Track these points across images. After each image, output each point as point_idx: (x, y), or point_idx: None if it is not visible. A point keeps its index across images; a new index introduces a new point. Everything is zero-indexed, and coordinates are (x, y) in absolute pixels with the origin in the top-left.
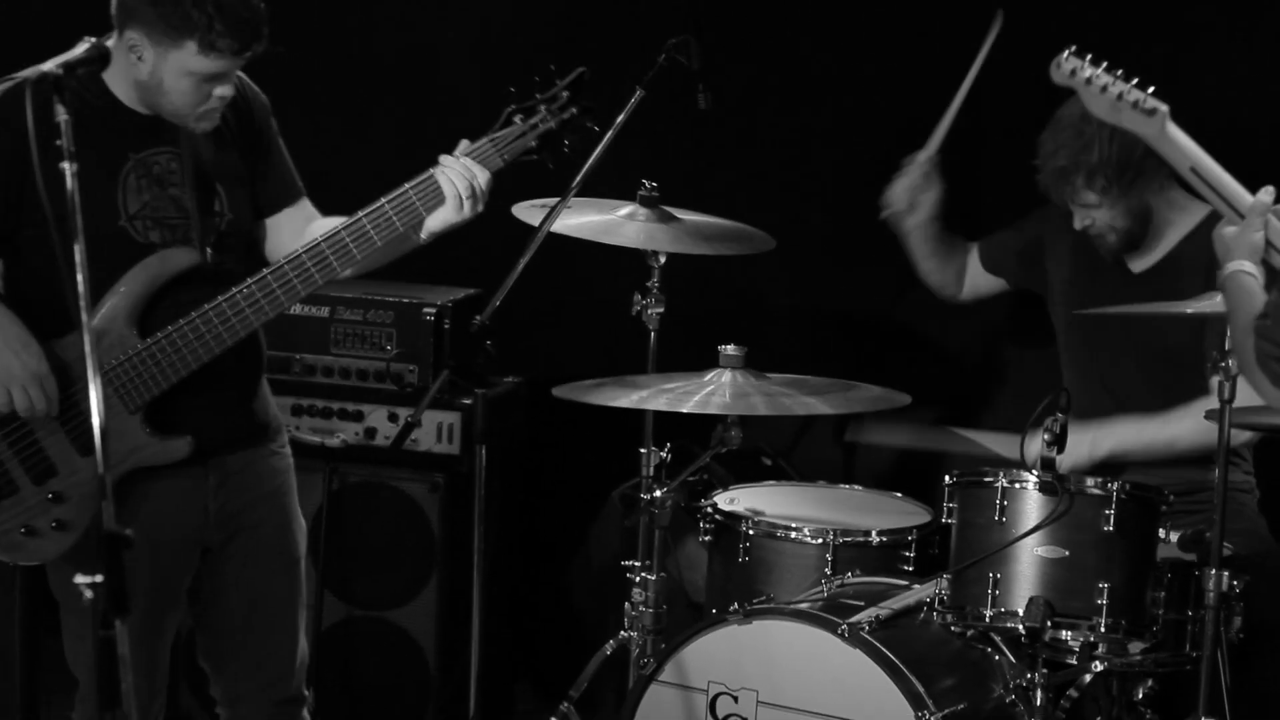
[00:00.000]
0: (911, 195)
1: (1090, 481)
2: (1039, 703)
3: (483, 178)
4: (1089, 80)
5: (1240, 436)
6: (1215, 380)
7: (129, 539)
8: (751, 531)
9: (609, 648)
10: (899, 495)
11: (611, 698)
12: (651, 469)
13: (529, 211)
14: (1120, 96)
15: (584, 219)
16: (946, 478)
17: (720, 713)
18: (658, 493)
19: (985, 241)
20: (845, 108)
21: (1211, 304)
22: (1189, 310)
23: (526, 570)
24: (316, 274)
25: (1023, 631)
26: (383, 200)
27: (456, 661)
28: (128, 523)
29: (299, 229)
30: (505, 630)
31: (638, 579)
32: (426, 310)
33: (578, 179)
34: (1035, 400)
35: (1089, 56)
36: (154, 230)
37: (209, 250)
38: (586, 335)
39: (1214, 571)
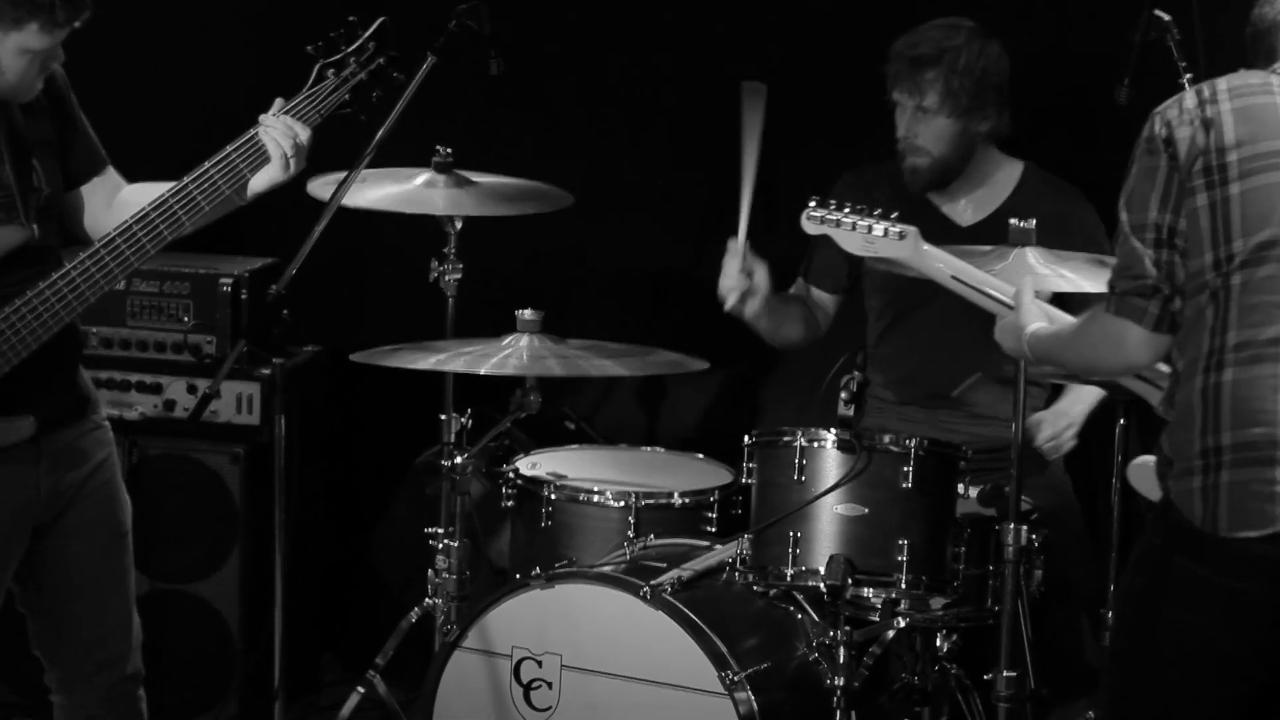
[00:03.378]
0: (742, 282)
1: (888, 438)
2: (842, 660)
3: (304, 135)
4: (839, 223)
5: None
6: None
7: None
8: (553, 496)
9: (413, 616)
10: (701, 456)
11: (417, 666)
12: (452, 436)
13: (326, 187)
14: (870, 230)
15: (381, 191)
16: (746, 437)
17: (525, 678)
18: (459, 459)
19: (811, 272)
20: (637, 66)
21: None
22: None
23: (330, 540)
24: (149, 244)
25: (824, 590)
26: (207, 164)
27: (261, 633)
28: None
29: (109, 198)
30: (309, 601)
31: (441, 546)
32: (223, 281)
33: (370, 148)
34: (836, 360)
35: (832, 204)
36: None
37: (35, 226)
38: (385, 302)
39: (1012, 526)
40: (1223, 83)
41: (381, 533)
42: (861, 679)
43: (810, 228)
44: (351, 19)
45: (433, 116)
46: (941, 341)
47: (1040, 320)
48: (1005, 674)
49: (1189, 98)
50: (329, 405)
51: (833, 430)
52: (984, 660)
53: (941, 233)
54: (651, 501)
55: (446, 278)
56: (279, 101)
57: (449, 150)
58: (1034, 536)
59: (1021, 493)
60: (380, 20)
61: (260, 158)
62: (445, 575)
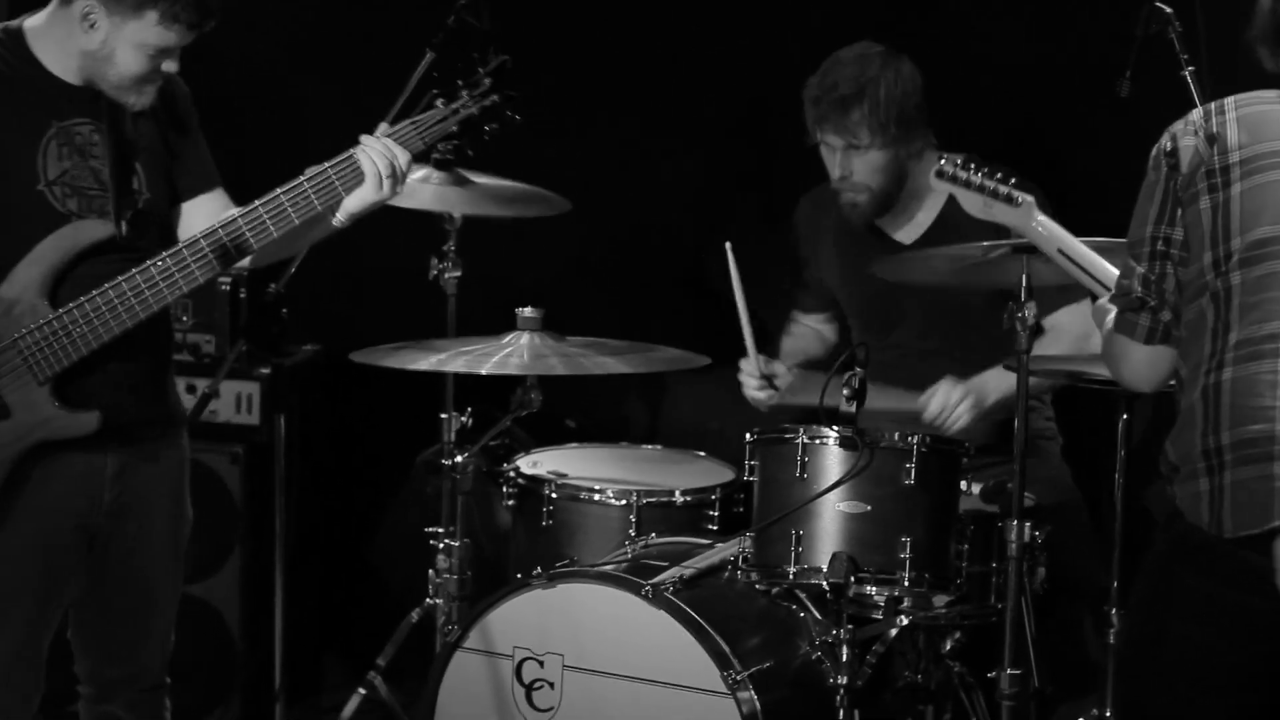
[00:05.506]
0: (768, 394)
1: (890, 435)
2: (845, 659)
3: (403, 158)
4: (967, 183)
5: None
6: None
7: None
8: (554, 494)
9: (414, 616)
10: (702, 454)
11: (419, 667)
12: (452, 434)
13: None
14: (992, 192)
15: None
16: (747, 435)
17: (526, 678)
18: (459, 458)
19: (803, 295)
20: (638, 67)
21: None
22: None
23: (330, 540)
24: (232, 249)
25: (827, 588)
26: (302, 179)
27: (262, 634)
28: (24, 503)
29: (213, 217)
30: (310, 601)
31: (441, 545)
32: (222, 280)
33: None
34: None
35: (960, 160)
36: (72, 199)
37: (124, 225)
38: (384, 301)
39: (1015, 523)
40: (1231, 99)
41: (382, 533)
42: (865, 677)
43: (937, 184)
44: (474, 55)
45: None
46: (917, 357)
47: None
48: (1009, 672)
49: (1196, 112)
50: (329, 404)
51: (835, 427)
52: (988, 658)
53: (884, 253)
54: (653, 500)
55: (446, 276)
56: (384, 125)
57: (448, 147)
58: (1037, 533)
59: (1024, 488)
60: (501, 59)
61: (355, 178)
62: (446, 575)
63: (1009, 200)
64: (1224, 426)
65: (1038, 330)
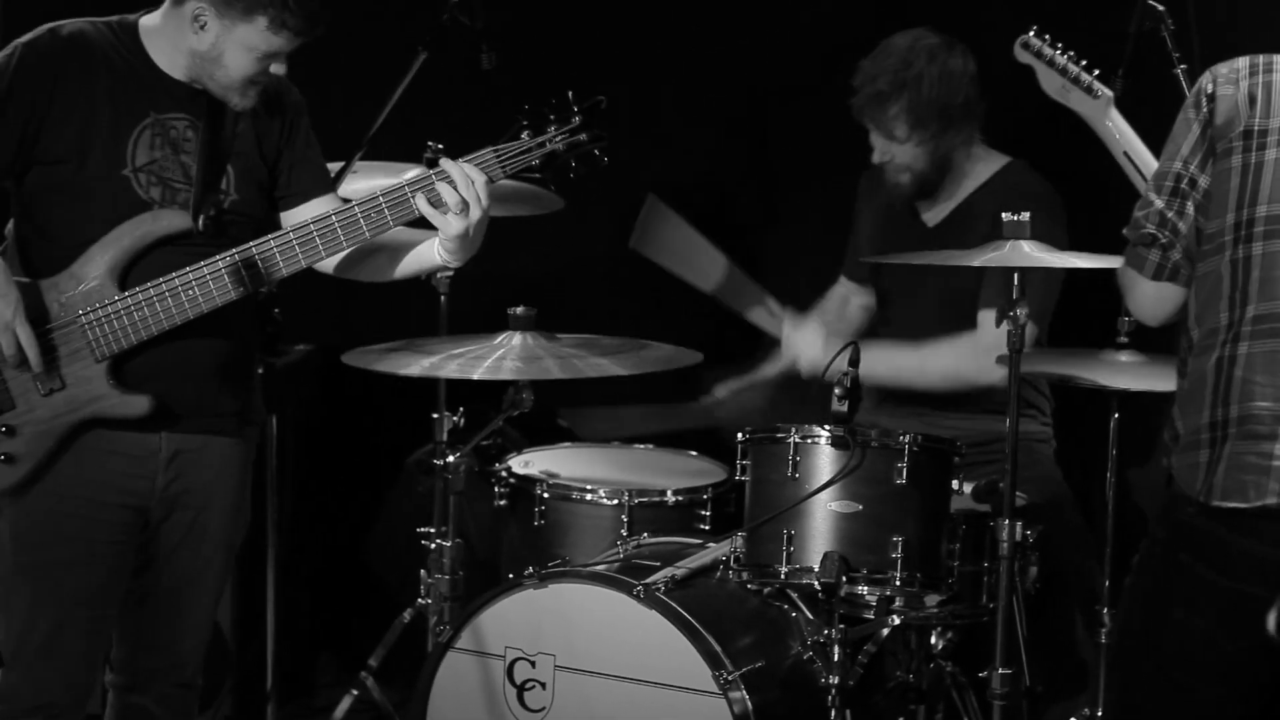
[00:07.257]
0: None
1: (883, 435)
2: (837, 658)
3: (479, 181)
4: (1049, 60)
5: (991, 376)
6: (994, 323)
7: None
8: (546, 494)
9: (406, 616)
10: (694, 454)
11: (411, 666)
12: (445, 434)
13: None
14: (1074, 78)
15: (371, 183)
16: (740, 434)
17: (518, 678)
18: (451, 458)
19: (850, 262)
20: (629, 63)
21: (993, 255)
22: (975, 263)
23: (323, 540)
24: (300, 253)
25: (818, 587)
26: (378, 193)
27: (254, 635)
28: (75, 474)
29: None
30: (303, 601)
31: (433, 545)
32: None
33: (363, 143)
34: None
35: (1048, 38)
36: (156, 187)
37: (202, 219)
38: (377, 300)
39: (1006, 522)
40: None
41: (375, 533)
42: (856, 677)
43: (1020, 55)
44: (569, 92)
45: (424, 111)
46: (936, 337)
47: None
48: (1000, 671)
49: (1242, 61)
50: (321, 404)
51: (827, 426)
52: (979, 657)
53: (911, 233)
54: (645, 499)
55: (439, 275)
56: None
57: (440, 146)
58: (1029, 533)
59: (1016, 488)
60: (597, 98)
61: (432, 195)
62: (438, 575)
63: (1089, 90)
64: (1233, 400)
65: None
